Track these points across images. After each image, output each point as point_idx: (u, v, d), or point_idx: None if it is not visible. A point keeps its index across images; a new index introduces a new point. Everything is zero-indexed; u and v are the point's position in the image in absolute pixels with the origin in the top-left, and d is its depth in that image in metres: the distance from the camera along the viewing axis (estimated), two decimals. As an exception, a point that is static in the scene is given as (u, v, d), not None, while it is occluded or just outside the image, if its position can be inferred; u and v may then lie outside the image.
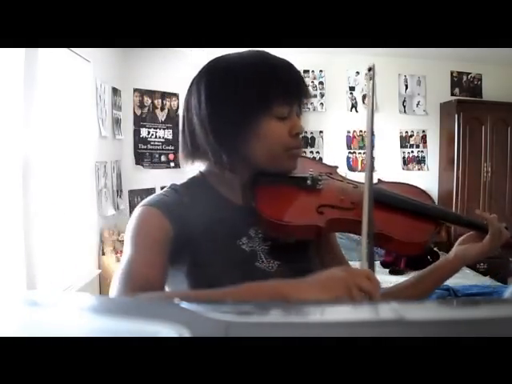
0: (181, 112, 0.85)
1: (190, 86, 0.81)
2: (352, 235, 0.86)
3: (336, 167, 0.95)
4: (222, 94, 0.77)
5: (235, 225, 0.80)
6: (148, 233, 0.74)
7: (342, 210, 0.80)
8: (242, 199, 0.83)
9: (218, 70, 0.79)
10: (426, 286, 0.92)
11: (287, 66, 0.79)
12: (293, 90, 0.78)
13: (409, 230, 0.82)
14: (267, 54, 0.80)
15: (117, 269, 0.71)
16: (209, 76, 0.79)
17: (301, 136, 0.81)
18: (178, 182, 0.84)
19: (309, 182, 0.82)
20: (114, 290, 0.67)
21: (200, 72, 0.81)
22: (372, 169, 0.82)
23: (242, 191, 0.82)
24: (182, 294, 0.72)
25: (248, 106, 0.75)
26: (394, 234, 0.79)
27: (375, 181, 0.92)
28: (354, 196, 0.82)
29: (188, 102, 0.81)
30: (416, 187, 0.95)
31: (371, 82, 0.85)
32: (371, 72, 0.86)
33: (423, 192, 0.93)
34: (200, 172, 0.85)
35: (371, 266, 0.67)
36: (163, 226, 0.74)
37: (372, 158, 0.82)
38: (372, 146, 0.85)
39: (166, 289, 0.80)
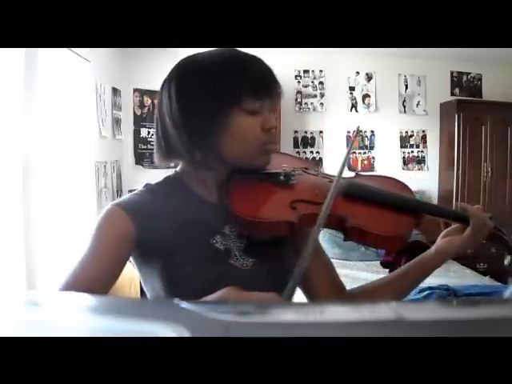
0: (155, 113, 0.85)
1: (162, 87, 0.82)
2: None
3: (313, 162, 0.93)
4: (192, 91, 0.77)
5: (209, 223, 0.80)
6: (106, 232, 0.75)
7: (316, 204, 0.78)
8: (218, 197, 0.82)
9: (188, 68, 0.80)
10: (408, 282, 0.89)
11: (256, 61, 0.79)
12: (262, 83, 0.78)
13: (385, 223, 0.80)
14: (236, 50, 0.80)
15: (70, 262, 0.72)
16: (179, 74, 0.79)
17: (274, 131, 0.80)
18: (153, 182, 0.84)
19: (282, 177, 0.81)
20: (60, 284, 0.69)
21: (170, 72, 0.81)
22: (343, 170, 0.81)
23: (217, 189, 0.82)
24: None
25: (218, 100, 0.75)
26: (369, 227, 0.77)
27: (352, 174, 0.91)
28: (328, 190, 0.80)
29: (160, 102, 0.81)
30: (393, 179, 0.92)
31: (356, 139, 0.86)
32: (357, 133, 0.87)
33: (401, 184, 0.90)
34: (175, 171, 0.86)
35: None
36: (124, 227, 0.74)
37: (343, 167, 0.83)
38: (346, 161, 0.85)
39: (144, 288, 0.81)
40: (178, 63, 0.82)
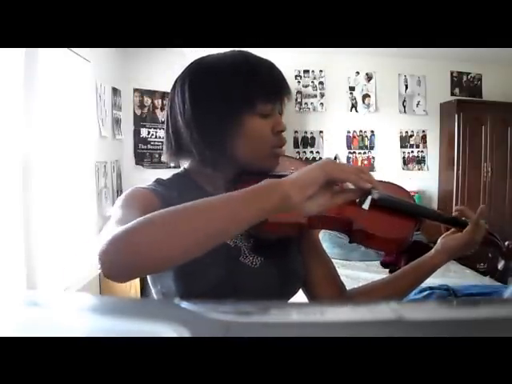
0: (165, 112, 0.86)
1: (174, 87, 0.82)
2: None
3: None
4: (205, 93, 0.78)
5: None
6: (139, 202, 0.72)
7: None
8: None
9: (201, 70, 0.80)
10: (408, 282, 0.91)
11: (269, 65, 0.81)
12: (274, 87, 0.80)
13: (389, 226, 0.83)
14: (249, 53, 0.81)
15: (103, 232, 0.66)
16: (192, 76, 0.80)
17: (283, 134, 0.82)
18: (164, 177, 0.85)
19: None
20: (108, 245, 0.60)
21: (183, 73, 0.82)
22: None
23: (226, 189, 0.82)
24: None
25: (231, 103, 0.76)
26: (374, 230, 0.80)
27: None
28: None
29: (172, 101, 0.82)
30: (395, 185, 0.95)
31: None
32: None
33: (402, 189, 0.94)
34: (184, 169, 0.87)
35: None
36: (153, 202, 0.73)
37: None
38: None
39: (151, 284, 0.81)
40: (191, 64, 0.82)
